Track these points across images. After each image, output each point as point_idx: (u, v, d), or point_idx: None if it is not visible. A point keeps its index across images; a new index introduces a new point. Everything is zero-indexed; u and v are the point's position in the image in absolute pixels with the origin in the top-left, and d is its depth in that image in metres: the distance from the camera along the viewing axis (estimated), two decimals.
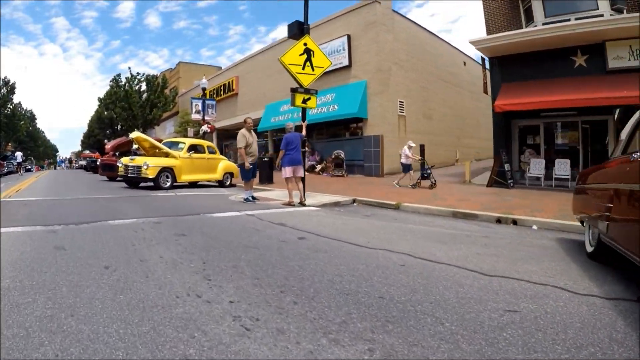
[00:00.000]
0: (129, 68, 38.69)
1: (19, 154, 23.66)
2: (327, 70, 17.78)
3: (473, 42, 12.96)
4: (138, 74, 31.92)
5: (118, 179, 13.51)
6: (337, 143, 19.67)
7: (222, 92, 27.20)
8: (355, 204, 8.61)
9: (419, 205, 7.60)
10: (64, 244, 3.90)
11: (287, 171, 7.98)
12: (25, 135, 54.01)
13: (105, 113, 41.16)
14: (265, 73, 23.68)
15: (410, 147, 12.04)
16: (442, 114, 22.41)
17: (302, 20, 9.39)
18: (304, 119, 9.21)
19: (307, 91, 9.15)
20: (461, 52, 26.33)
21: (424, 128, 20.41)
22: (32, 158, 47.33)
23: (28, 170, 33.70)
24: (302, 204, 8.00)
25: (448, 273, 3.13)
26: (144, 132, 33.33)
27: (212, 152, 12.98)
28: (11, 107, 39.48)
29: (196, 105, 18.96)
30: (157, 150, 11.96)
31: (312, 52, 9.20)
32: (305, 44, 9.13)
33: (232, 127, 26.16)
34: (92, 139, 47.26)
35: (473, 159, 25.64)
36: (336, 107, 17.86)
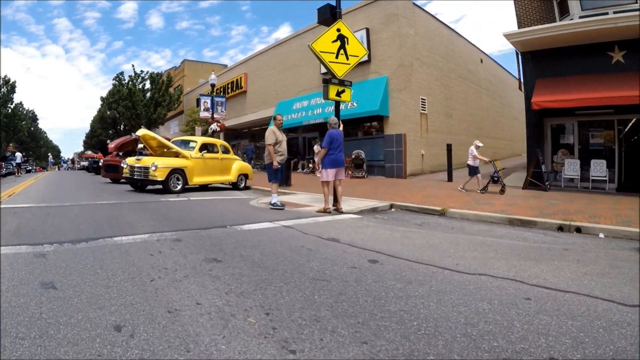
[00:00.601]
0: (133, 66, 37.67)
1: (18, 155, 22.58)
2: None
3: (507, 35, 12.08)
4: (142, 71, 30.84)
5: (122, 181, 12.39)
6: (355, 142, 18.59)
7: (229, 90, 26.08)
8: (393, 209, 7.63)
9: (468, 211, 6.77)
10: (54, 278, 2.75)
11: (328, 174, 6.87)
12: (27, 135, 53.07)
13: (108, 112, 40.18)
14: (276, 69, 22.58)
15: (477, 147, 10.91)
16: (462, 113, 21.40)
17: (333, 4, 8.24)
18: (337, 113, 8.05)
19: (341, 82, 8.06)
20: (478, 48, 25.22)
21: (445, 127, 19.33)
22: (32, 158, 46.28)
23: (29, 171, 32.62)
24: (338, 210, 6.88)
25: (596, 310, 2.43)
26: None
27: (225, 151, 11.83)
28: (12, 106, 38.40)
29: (205, 102, 17.83)
30: (165, 150, 10.81)
31: (346, 39, 8.09)
32: (338, 30, 8.00)
33: (241, 126, 25.02)
34: (95, 139, 46.25)
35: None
36: (355, 104, 16.79)
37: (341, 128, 7.48)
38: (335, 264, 3.36)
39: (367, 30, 16.99)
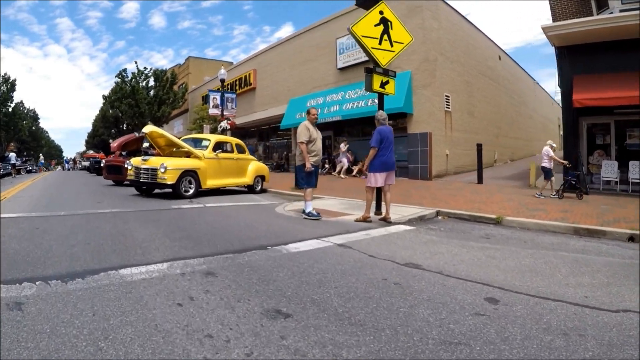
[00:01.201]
0: (136, 62, 36.34)
1: (12, 155, 21.43)
2: (364, 59, 15.86)
3: (546, 28, 11.43)
4: (145, 68, 29.72)
5: (126, 183, 11.26)
6: None
7: (237, 87, 24.94)
8: (440, 217, 6.71)
9: (527, 220, 6.07)
10: None
11: (377, 179, 5.78)
12: (28, 135, 52.03)
13: (111, 111, 39.13)
14: (288, 64, 21.43)
15: (552, 148, 9.89)
16: (483, 111, 20.36)
17: None
18: (381, 107, 6.91)
19: (385, 72, 6.91)
20: (496, 45, 24.12)
21: (468, 126, 18.24)
22: (32, 159, 45.22)
23: (29, 172, 31.54)
24: (386, 220, 5.84)
25: None
26: None
27: (241, 151, 10.66)
28: (12, 105, 37.33)
29: (214, 98, 16.64)
30: (174, 149, 9.64)
31: (390, 24, 6.98)
32: (381, 12, 6.88)
33: (249, 124, 23.85)
34: (97, 138, 45.18)
35: (508, 159, 23.50)
36: (376, 100, 15.48)
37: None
38: (450, 308, 2.35)
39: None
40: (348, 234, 4.80)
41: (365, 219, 5.84)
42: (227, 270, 3.08)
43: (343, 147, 16.12)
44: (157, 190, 9.12)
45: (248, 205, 8.01)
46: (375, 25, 6.85)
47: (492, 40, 23.16)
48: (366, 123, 17.71)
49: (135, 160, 8.91)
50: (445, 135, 16.04)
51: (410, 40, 7.46)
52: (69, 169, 41.72)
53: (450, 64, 16.77)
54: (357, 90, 16.94)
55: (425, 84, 14.84)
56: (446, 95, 16.09)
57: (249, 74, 23.84)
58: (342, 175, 16.21)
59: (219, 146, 9.88)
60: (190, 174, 8.69)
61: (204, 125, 17.91)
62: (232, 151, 10.34)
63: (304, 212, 6.26)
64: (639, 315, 2.32)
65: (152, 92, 29.32)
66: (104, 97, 40.86)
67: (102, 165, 12.43)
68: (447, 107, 16.14)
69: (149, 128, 8.76)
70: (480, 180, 13.17)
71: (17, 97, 57.06)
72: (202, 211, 6.71)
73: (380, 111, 6.44)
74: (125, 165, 10.62)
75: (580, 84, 10.98)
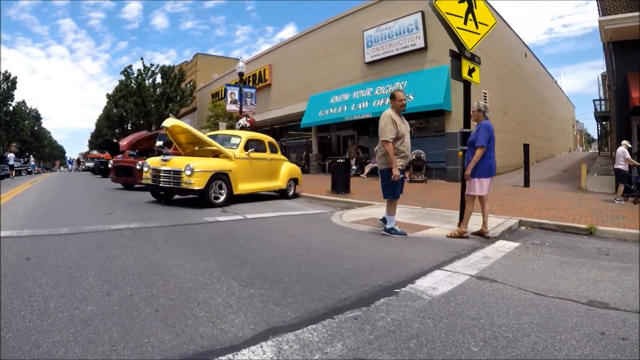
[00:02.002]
0: (142, 59, 34.52)
1: (11, 155, 20.00)
2: (395, 52, 14.01)
3: (604, 21, 10.99)
4: (152, 65, 28.24)
5: (137, 186, 9.76)
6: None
7: (251, 83, 23.46)
8: (522, 227, 5.74)
9: (624, 230, 5.18)
10: None
11: (483, 185, 4.66)
12: (30, 135, 50.69)
13: (115, 110, 37.73)
14: (307, 59, 19.95)
15: (629, 149, 8.50)
16: (514, 110, 19.17)
17: None
18: (467, 99, 5.50)
19: (472, 58, 5.53)
20: (523, 42, 22.77)
21: (502, 125, 16.88)
22: (33, 159, 43.84)
23: (30, 173, 30.11)
24: (483, 235, 4.72)
25: None
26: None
27: (273, 150, 9.16)
28: (12, 103, 35.92)
29: (232, 93, 15.16)
30: (197, 148, 8.12)
31: (474, 2, 5.53)
32: None
33: (264, 123, 22.34)
34: (100, 138, 43.76)
35: (534, 160, 22.13)
36: (412, 97, 14.17)
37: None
38: None
39: (422, 13, 14.50)
40: (463, 257, 3.59)
41: (461, 235, 4.66)
42: (381, 349, 1.55)
43: (379, 146, 14.55)
44: (176, 196, 7.60)
45: (296, 215, 6.49)
46: (460, 2, 5.49)
47: (519, 37, 21.74)
48: None
49: (153, 161, 7.39)
50: None
51: (494, 22, 6.11)
52: (71, 170, 40.26)
53: (487, 60, 15.35)
54: (389, 86, 15.53)
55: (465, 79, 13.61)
56: (484, 92, 14.70)
57: (264, 70, 22.36)
58: (363, 176, 14.83)
59: (250, 144, 8.36)
60: (220, 178, 7.17)
61: (220, 123, 16.41)
62: (264, 150, 8.83)
63: (385, 228, 4.75)
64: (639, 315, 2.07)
65: (158, 90, 27.84)
66: (108, 96, 39.48)
67: (109, 166, 10.89)
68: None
69: (170, 121, 7.23)
70: (527, 183, 11.86)
71: (19, 97, 55.94)
72: (247, 226, 5.18)
73: (481, 102, 5.08)
74: (139, 167, 9.13)
75: (634, 81, 10.53)
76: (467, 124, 5.58)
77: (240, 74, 15.28)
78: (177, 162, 6.91)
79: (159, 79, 28.38)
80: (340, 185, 9.78)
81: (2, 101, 33.91)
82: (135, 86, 27.53)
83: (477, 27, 5.76)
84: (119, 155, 16.55)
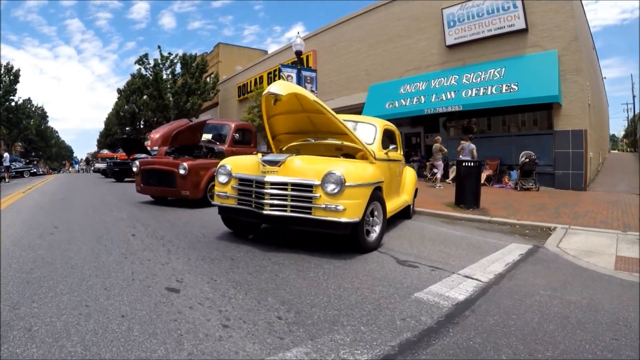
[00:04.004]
0: (159, 47, 30.38)
1: (6, 156, 16.84)
2: (486, 34, 12.28)
3: None
4: (170, 54, 24.82)
5: (173, 200, 6.26)
6: (508, 140, 12.51)
7: None
8: None
9: None
10: None
11: None
12: (35, 134, 47.58)
13: (126, 107, 34.42)
14: (365, 43, 16.58)
15: None
16: (597, 103, 15.91)
17: None
18: None
19: None
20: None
21: (595, 122, 14.06)
22: (38, 159, 40.68)
23: (34, 175, 26.85)
24: None
25: None
26: None
27: (395, 147, 5.53)
28: (14, 98, 32.71)
29: (289, 77, 11.70)
30: (303, 141, 4.57)
31: None
32: None
33: None
34: (109, 138, 40.59)
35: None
36: (516, 86, 11.08)
37: None
38: None
39: None
40: None
41: None
42: None
43: (467, 146, 10.90)
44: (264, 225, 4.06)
45: (517, 262, 2.92)
46: None
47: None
48: (494, 113, 12.73)
49: (240, 164, 3.81)
50: (590, 134, 12.08)
51: None
52: (79, 171, 36.95)
53: (588, 48, 12.36)
54: (480, 74, 12.38)
55: (578, 68, 10.96)
56: (587, 84, 11.75)
57: (307, 57, 18.82)
58: (439, 185, 11.30)
59: (388, 139, 4.84)
60: (376, 197, 3.60)
61: None
62: (396, 148, 5.29)
63: None
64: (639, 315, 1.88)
65: (180, 81, 24.41)
66: (119, 91, 36.25)
67: (133, 169, 7.29)
68: (589, 99, 12.02)
69: (283, 86, 3.56)
70: None
71: (25, 94, 52.76)
72: (520, 312, 1.59)
73: None
74: (184, 172, 5.67)
75: None
76: None
77: (298, 53, 11.84)
78: (305, 169, 3.36)
79: (178, 69, 24.95)
80: (471, 197, 6.78)
81: (3, 96, 30.68)
82: (152, 77, 24.08)
83: None
84: (142, 154, 13.10)
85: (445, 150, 11.96)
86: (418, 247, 3.99)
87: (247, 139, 8.05)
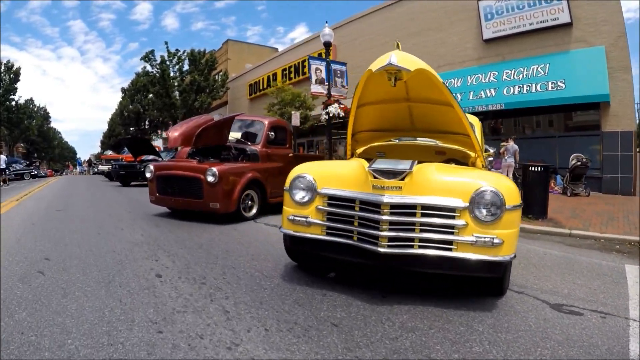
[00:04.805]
0: (166, 43, 28.81)
1: (2, 158, 15.65)
2: (528, 28, 11.38)
3: None
4: (177, 50, 23.60)
5: (206, 216, 5.03)
6: (547, 142, 11.53)
7: (307, 70, 18.75)
8: None
9: None
10: None
11: None
12: (37, 134, 46.44)
13: (131, 106, 33.35)
14: (391, 37, 15.32)
15: None
16: None
17: None
18: None
19: None
20: None
21: None
22: (39, 161, 39.63)
23: (35, 177, 25.70)
24: None
25: None
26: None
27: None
28: (15, 97, 31.60)
29: (317, 69, 10.45)
30: (376, 144, 3.31)
31: None
32: None
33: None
34: (113, 138, 39.45)
35: None
36: (562, 84, 10.56)
37: None
38: None
39: None
40: None
41: None
42: None
43: (512, 145, 9.70)
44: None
45: None
46: None
47: None
48: (535, 113, 11.47)
49: (338, 175, 2.50)
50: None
51: None
52: (82, 172, 35.82)
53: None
54: (522, 70, 11.48)
55: (625, 66, 10.18)
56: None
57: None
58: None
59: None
60: None
61: (293, 113, 11.62)
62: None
63: None
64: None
65: (188, 78, 23.20)
66: (123, 90, 35.19)
67: (146, 175, 6.01)
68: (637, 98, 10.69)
69: (410, 60, 2.29)
70: None
71: (27, 95, 51.76)
72: None
73: None
74: (213, 179, 4.48)
75: None
76: None
77: (327, 44, 10.54)
78: (440, 183, 2.12)
79: (185, 67, 23.72)
80: (539, 206, 5.88)
81: (3, 95, 29.55)
82: (158, 74, 22.85)
83: None
84: (150, 155, 11.87)
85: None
86: (542, 278, 3.04)
87: (282, 139, 6.78)
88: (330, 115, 10.05)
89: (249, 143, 6.26)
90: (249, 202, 5.60)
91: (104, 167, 19.10)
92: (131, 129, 34.33)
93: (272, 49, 30.72)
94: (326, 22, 10.93)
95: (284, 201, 2.63)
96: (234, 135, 6.38)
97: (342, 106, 10.24)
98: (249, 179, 5.47)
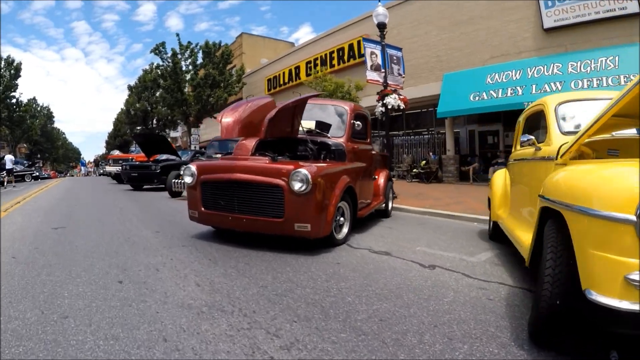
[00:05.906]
0: (178, 35, 26.82)
1: (8, 158, 14.22)
2: (593, 17, 10.33)
3: None
4: (190, 42, 21.95)
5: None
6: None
7: (338, 61, 17.18)
8: None
9: None
10: None
11: None
12: (40, 135, 44.80)
13: (138, 104, 31.72)
14: (436, 25, 14.06)
15: None
16: None
17: None
18: None
19: None
20: None
21: None
22: (41, 161, 38.05)
23: (36, 178, 24.17)
24: None
25: None
26: (197, 124, 23.26)
27: None
28: (15, 94, 30.01)
29: (373, 54, 8.80)
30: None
31: None
32: None
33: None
34: (119, 139, 37.89)
35: None
36: (627, 81, 8.71)
37: None
38: None
39: None
40: None
41: None
42: None
43: None
44: None
45: None
46: None
47: None
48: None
49: None
50: None
51: None
52: (87, 173, 34.17)
53: None
54: (588, 62, 10.03)
55: None
56: None
57: (358, 42, 15.87)
58: None
59: None
60: None
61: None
62: None
63: None
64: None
65: (201, 72, 21.58)
66: (130, 88, 33.57)
67: (185, 180, 4.21)
68: None
69: None
70: None
71: (29, 94, 50.20)
72: None
73: None
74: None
75: None
76: None
77: (381, 26, 8.86)
78: None
79: (200, 60, 22.07)
80: None
81: (3, 92, 27.96)
82: (169, 67, 21.20)
83: None
84: (163, 154, 10.31)
85: None
86: None
87: (363, 132, 5.07)
88: (389, 107, 8.35)
89: (328, 135, 4.53)
90: (340, 219, 3.87)
91: (112, 169, 17.39)
92: (137, 128, 32.71)
93: (289, 43, 29.10)
94: (379, 1, 9.18)
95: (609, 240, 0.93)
96: (306, 124, 4.64)
97: (401, 97, 8.55)
98: (346, 185, 3.74)
